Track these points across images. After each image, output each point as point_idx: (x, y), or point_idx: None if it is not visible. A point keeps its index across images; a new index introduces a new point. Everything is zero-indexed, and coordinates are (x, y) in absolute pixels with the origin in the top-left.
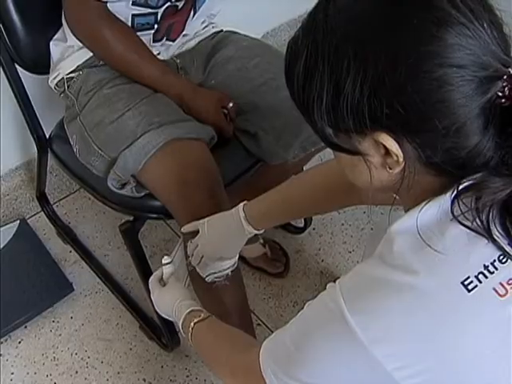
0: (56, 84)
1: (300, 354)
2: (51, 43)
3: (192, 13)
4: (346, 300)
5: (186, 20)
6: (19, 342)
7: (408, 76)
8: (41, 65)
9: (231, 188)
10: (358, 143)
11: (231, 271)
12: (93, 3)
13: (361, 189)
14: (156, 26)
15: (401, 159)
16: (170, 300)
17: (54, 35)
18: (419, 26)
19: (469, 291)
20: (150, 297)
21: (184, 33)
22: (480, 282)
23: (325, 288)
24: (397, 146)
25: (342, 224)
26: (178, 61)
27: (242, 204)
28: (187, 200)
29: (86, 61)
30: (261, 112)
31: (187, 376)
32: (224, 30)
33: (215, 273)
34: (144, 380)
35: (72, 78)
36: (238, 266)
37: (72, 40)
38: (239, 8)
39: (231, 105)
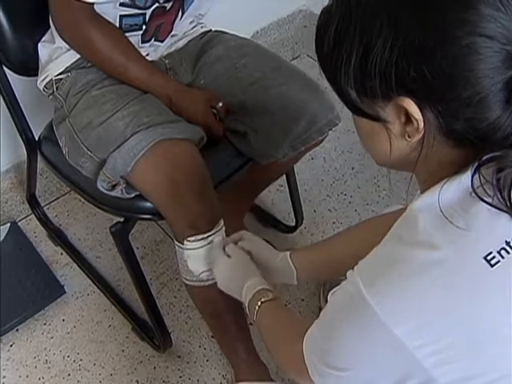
0: (45, 86)
1: (328, 343)
2: (39, 45)
3: (180, 13)
4: (364, 281)
5: (174, 20)
6: (11, 346)
7: (439, 41)
8: (29, 67)
9: (222, 187)
10: (381, 109)
11: None
12: (79, 5)
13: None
14: (144, 27)
15: (421, 125)
16: (238, 277)
17: (42, 37)
18: None
19: (492, 266)
20: (142, 298)
21: (172, 33)
22: (502, 257)
23: (317, 287)
24: (419, 111)
25: (334, 222)
26: (167, 61)
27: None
28: (177, 200)
29: (75, 62)
30: (250, 111)
31: (180, 377)
32: (213, 29)
33: (208, 270)
34: (137, 382)
35: (61, 79)
36: None
37: (60, 41)
38: (228, 8)
39: (220, 104)
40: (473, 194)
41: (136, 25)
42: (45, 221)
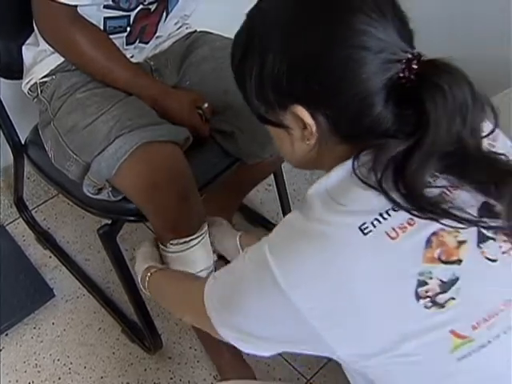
0: (29, 89)
1: (229, 290)
2: (23, 48)
3: (164, 14)
4: (270, 248)
5: (159, 22)
6: (0, 350)
7: (319, 54)
8: (13, 70)
9: (209, 188)
10: (281, 117)
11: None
12: (61, 7)
13: None
14: (129, 29)
15: (314, 129)
16: (137, 262)
17: (26, 40)
18: (333, 13)
19: (365, 234)
20: (131, 300)
21: (157, 34)
22: (374, 226)
23: None
24: (310, 117)
25: None
26: (152, 63)
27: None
28: (158, 203)
29: (59, 65)
30: (236, 111)
31: (171, 378)
32: (198, 30)
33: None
34: None
35: (45, 82)
36: (215, 266)
37: (44, 44)
38: (214, 8)
39: (206, 105)
40: (353, 175)
41: (120, 27)
42: (33, 224)
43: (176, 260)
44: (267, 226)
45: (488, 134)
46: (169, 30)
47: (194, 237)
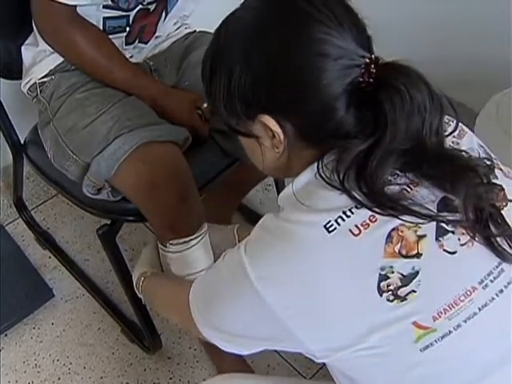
0: (28, 89)
1: (208, 291)
2: (23, 48)
3: (164, 14)
4: (247, 248)
5: (158, 22)
6: (0, 351)
7: (282, 65)
8: (13, 70)
9: (209, 187)
10: (251, 127)
11: None
12: (62, 8)
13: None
14: (128, 29)
15: (281, 137)
16: (136, 266)
17: (25, 40)
18: (293, 25)
19: (329, 232)
20: (131, 300)
21: (156, 34)
22: (339, 224)
23: None
24: (277, 125)
25: None
26: (151, 63)
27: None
28: (157, 203)
29: (59, 65)
30: None
31: (170, 378)
32: (197, 30)
33: (191, 274)
34: None
35: (44, 82)
36: None
37: (43, 44)
38: (214, 8)
39: (205, 105)
40: (318, 177)
41: (120, 27)
42: (32, 224)
43: (176, 260)
44: None
45: (451, 133)
46: (168, 30)
47: (193, 237)
